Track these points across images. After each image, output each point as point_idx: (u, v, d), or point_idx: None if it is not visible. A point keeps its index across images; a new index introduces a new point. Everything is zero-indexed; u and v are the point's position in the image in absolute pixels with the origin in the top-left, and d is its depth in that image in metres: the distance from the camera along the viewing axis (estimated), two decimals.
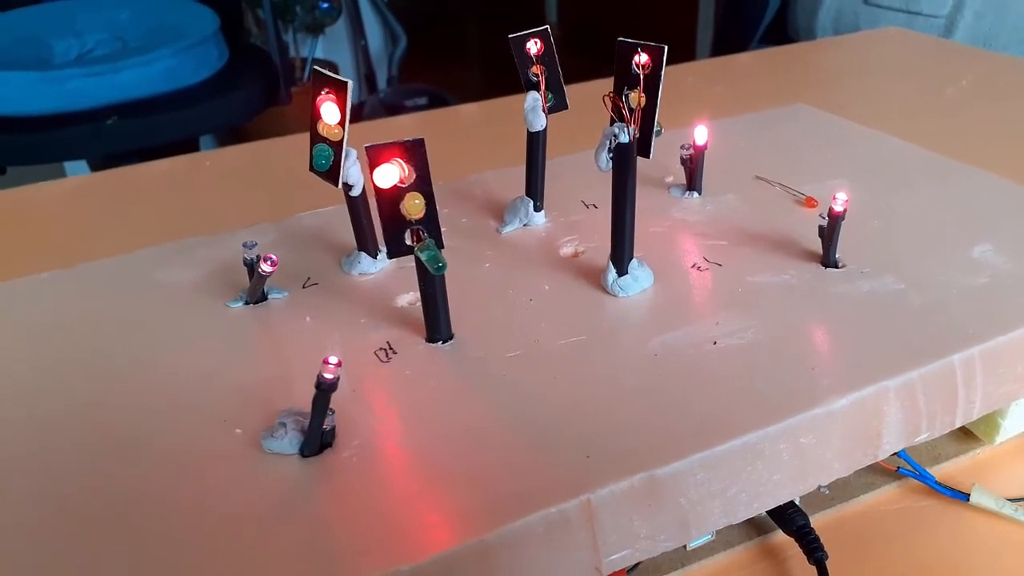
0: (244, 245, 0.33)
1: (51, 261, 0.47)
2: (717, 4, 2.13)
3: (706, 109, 0.74)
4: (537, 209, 0.39)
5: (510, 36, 0.35)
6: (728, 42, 1.42)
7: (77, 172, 1.67)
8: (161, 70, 1.23)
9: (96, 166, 1.41)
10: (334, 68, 2.22)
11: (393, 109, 2.04)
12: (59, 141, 1.19)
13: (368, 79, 2.30)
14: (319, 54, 2.17)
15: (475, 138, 0.70)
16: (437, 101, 2.05)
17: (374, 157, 0.26)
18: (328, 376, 0.24)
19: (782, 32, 1.35)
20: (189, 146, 1.43)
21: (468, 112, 0.77)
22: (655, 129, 0.30)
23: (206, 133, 1.60)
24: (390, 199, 0.27)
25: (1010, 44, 1.08)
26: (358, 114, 2.14)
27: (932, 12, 1.13)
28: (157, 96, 1.22)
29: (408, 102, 2.05)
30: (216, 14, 1.33)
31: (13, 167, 1.30)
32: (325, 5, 2.05)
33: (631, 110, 0.30)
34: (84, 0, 1.37)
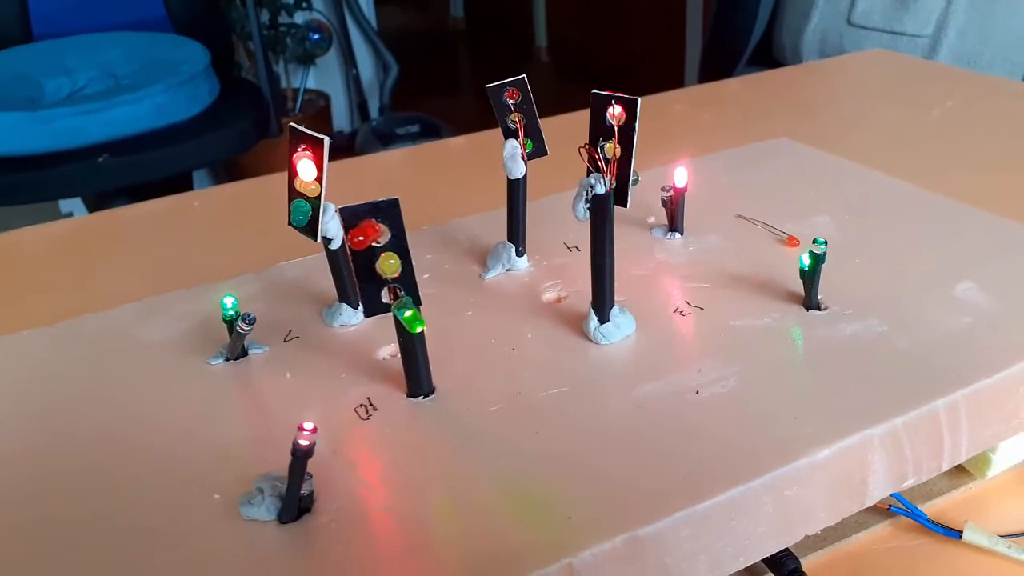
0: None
1: (37, 308, 0.47)
2: (704, 27, 2.15)
3: (694, 136, 0.75)
4: (519, 254, 0.39)
5: (487, 86, 0.35)
6: (716, 64, 1.43)
7: (72, 208, 1.67)
8: (152, 106, 1.23)
9: (90, 202, 1.42)
10: (326, 98, 2.24)
11: (385, 138, 2.05)
12: (51, 180, 1.19)
13: (360, 108, 2.32)
14: (311, 84, 2.19)
15: (464, 172, 0.70)
16: (429, 128, 2.07)
17: (349, 219, 0.26)
18: (302, 443, 0.24)
19: (768, 54, 1.36)
20: (182, 180, 1.44)
21: (457, 145, 0.77)
22: (632, 179, 0.30)
23: (198, 168, 1.61)
24: (366, 259, 0.27)
25: (994, 62, 1.09)
26: (351, 144, 2.15)
27: (916, 32, 1.14)
28: (148, 133, 1.22)
29: (400, 130, 2.06)
30: (207, 49, 1.33)
31: (4, 207, 1.31)
32: (316, 36, 2.07)
33: (607, 160, 0.30)
34: (75, 39, 1.38)
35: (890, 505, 0.33)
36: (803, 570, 0.30)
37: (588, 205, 0.30)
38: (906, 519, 0.33)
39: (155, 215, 0.65)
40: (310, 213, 0.32)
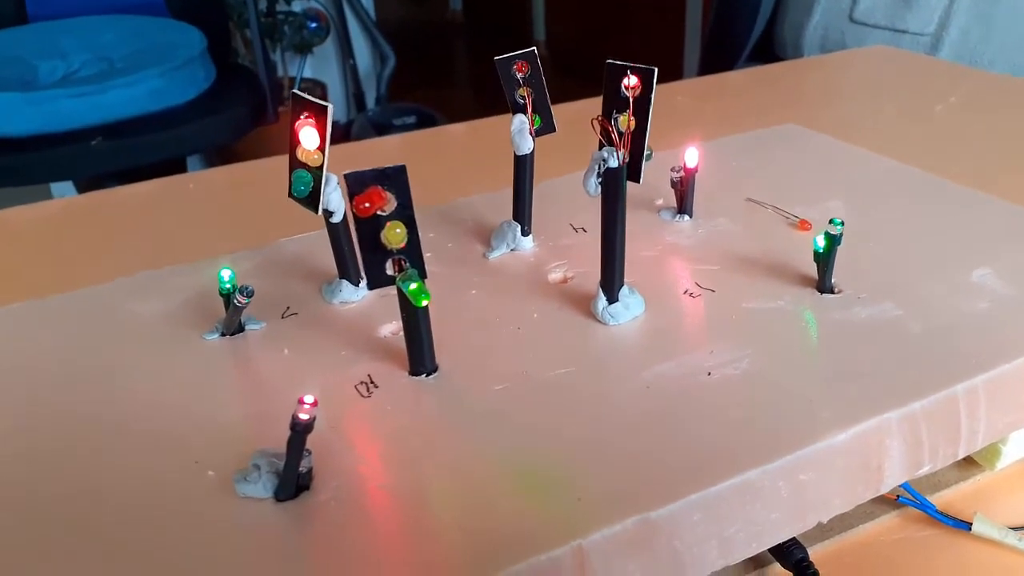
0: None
1: (31, 286, 0.45)
2: (704, 22, 2.14)
3: (696, 128, 0.74)
4: (525, 234, 0.38)
5: (496, 58, 0.34)
6: (716, 60, 1.43)
7: (63, 193, 1.65)
8: (147, 90, 1.22)
9: (82, 187, 1.40)
10: (323, 87, 2.22)
11: (381, 128, 2.03)
12: (44, 162, 1.18)
13: (357, 98, 2.30)
14: (307, 73, 2.17)
15: (463, 159, 0.69)
16: (426, 120, 2.05)
17: (354, 185, 0.25)
18: (303, 417, 0.23)
19: (769, 50, 1.35)
20: (176, 166, 1.42)
21: (456, 132, 0.76)
22: (645, 153, 0.29)
23: (193, 153, 1.59)
24: (370, 228, 0.26)
25: (996, 61, 1.09)
26: (346, 133, 2.14)
27: (918, 30, 1.13)
28: (143, 116, 1.21)
29: (396, 121, 2.04)
30: (203, 34, 1.32)
31: None
32: (313, 25, 2.06)
33: (620, 134, 0.29)
34: (70, 21, 1.36)
35: (898, 496, 0.32)
36: (810, 560, 0.29)
37: (600, 179, 0.29)
38: (914, 510, 0.32)
39: (149, 196, 0.64)
40: (311, 184, 0.30)
